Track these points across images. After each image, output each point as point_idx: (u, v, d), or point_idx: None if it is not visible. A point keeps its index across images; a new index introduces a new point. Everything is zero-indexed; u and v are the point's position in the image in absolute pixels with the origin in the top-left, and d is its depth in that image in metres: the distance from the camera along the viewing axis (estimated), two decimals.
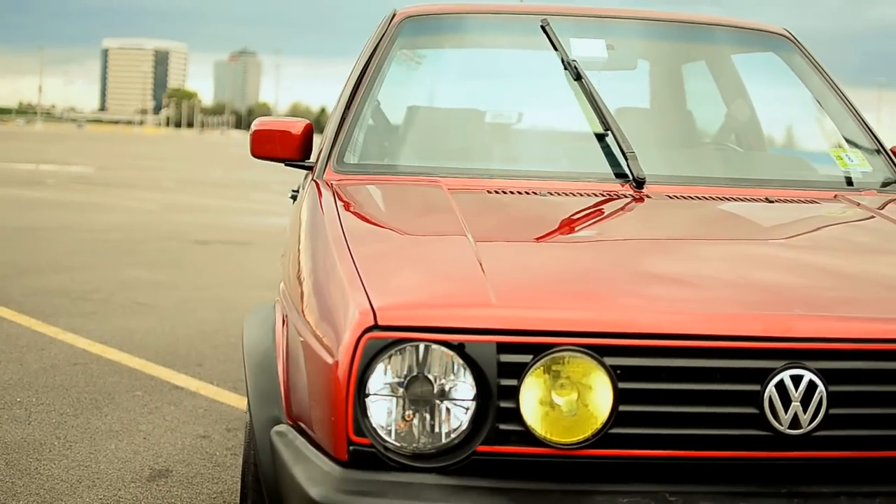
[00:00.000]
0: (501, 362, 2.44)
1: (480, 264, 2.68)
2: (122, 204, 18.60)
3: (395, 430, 2.46)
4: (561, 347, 2.43)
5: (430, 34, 4.31)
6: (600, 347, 2.45)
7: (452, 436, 2.46)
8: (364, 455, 2.46)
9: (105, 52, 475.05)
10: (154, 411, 5.57)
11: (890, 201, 3.73)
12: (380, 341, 2.44)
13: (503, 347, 2.45)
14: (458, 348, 2.44)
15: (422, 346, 2.44)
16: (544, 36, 3.97)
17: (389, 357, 2.44)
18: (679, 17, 4.48)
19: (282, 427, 2.73)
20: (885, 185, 3.93)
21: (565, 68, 3.87)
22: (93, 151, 46.56)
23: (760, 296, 2.72)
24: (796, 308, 2.61)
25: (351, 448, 2.46)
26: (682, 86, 4.79)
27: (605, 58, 4.23)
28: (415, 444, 2.46)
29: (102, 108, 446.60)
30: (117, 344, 7.06)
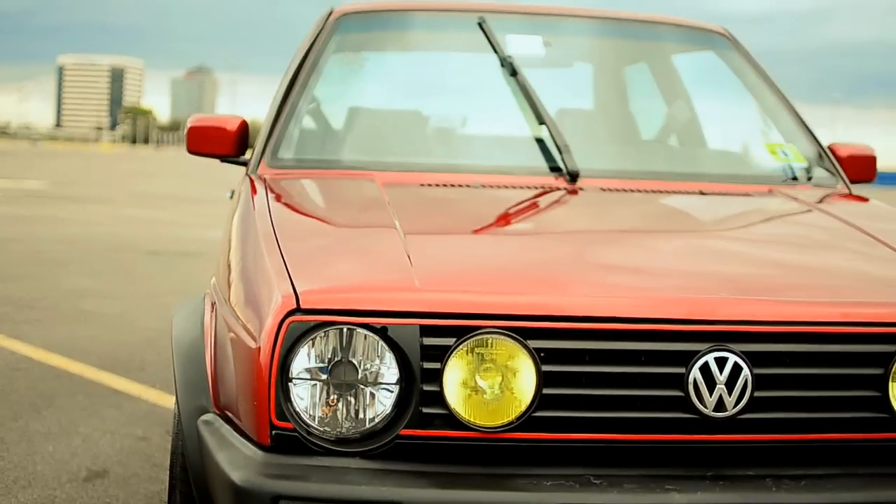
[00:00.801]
0: (425, 345, 2.43)
1: (407, 253, 2.67)
2: (74, 217, 18.47)
3: (318, 415, 2.44)
4: (484, 330, 2.42)
5: (366, 31, 4.29)
6: (524, 330, 2.43)
7: (376, 420, 2.44)
8: (287, 439, 2.44)
9: (60, 69, 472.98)
10: (93, 414, 5.52)
11: (825, 196, 3.75)
12: (302, 325, 2.43)
13: (426, 330, 2.43)
14: (381, 332, 2.43)
15: (345, 330, 2.43)
16: (482, 33, 3.97)
17: (312, 341, 2.43)
18: (620, 16, 4.49)
19: (208, 416, 2.70)
20: (819, 179, 3.94)
21: (502, 65, 3.87)
22: (47, 167, 46.24)
23: (686, 280, 2.72)
24: (721, 292, 2.61)
25: (273, 432, 2.44)
26: (623, 88, 4.79)
27: (541, 55, 4.23)
28: (338, 429, 2.44)
29: (58, 125, 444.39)
30: (60, 350, 7.01)
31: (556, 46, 4.40)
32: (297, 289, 2.48)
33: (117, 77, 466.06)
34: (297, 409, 2.43)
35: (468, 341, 2.42)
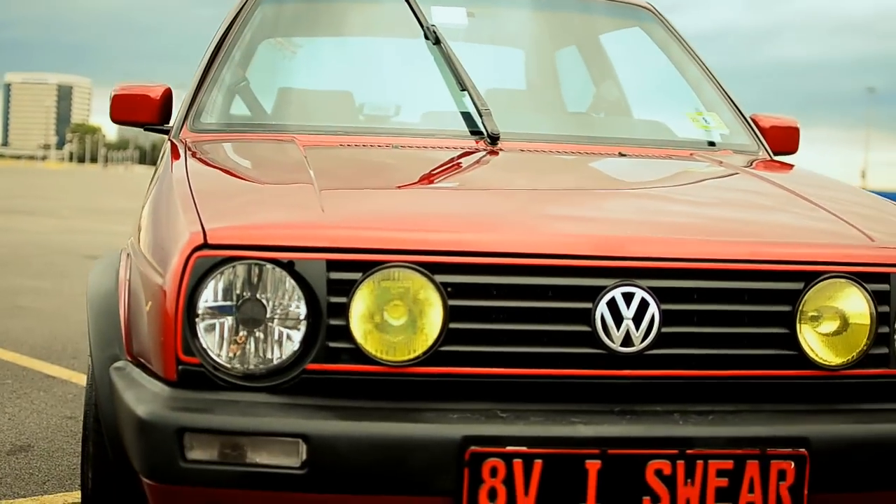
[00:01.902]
0: (331, 279, 2.43)
1: (320, 200, 2.66)
2: (16, 227, 18.32)
3: (225, 351, 2.44)
4: (390, 264, 2.42)
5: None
6: (430, 265, 2.44)
7: (283, 356, 2.44)
8: (194, 375, 2.43)
9: (7, 87, 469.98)
10: (22, 396, 5.49)
11: (746, 161, 3.77)
12: (209, 260, 2.42)
13: (333, 265, 2.43)
14: (288, 266, 2.42)
15: (251, 265, 2.42)
16: (406, 3, 3.97)
17: (219, 276, 2.42)
18: None
19: (120, 363, 2.69)
20: (741, 146, 3.96)
21: (426, 36, 3.87)
22: None
23: (594, 219, 2.74)
24: (629, 229, 2.63)
25: (180, 368, 2.43)
26: (553, 70, 4.80)
27: (465, 24, 4.24)
28: (245, 365, 2.44)
29: (4, 143, 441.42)
30: None
31: (486, 24, 4.42)
32: (204, 225, 2.48)
33: (65, 95, 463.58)
34: (204, 345, 2.43)
35: (374, 275, 2.42)
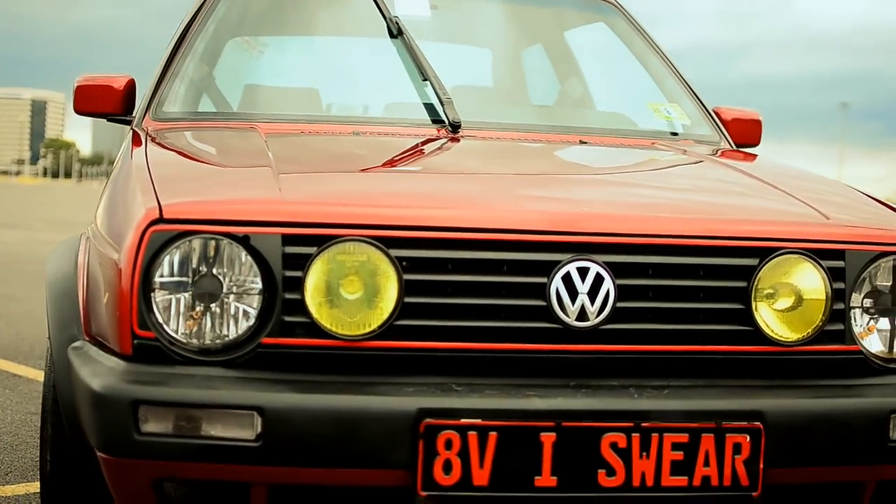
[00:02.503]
0: (286, 254, 2.43)
1: (278, 182, 2.66)
2: None
3: (181, 324, 2.44)
4: (345, 238, 2.43)
5: None
6: (385, 239, 2.45)
7: (239, 331, 2.44)
8: (149, 349, 2.43)
9: None
10: None
11: (707, 150, 3.78)
12: (165, 234, 2.43)
13: (288, 239, 2.44)
14: (244, 241, 2.43)
15: (207, 240, 2.43)
16: None
17: (174, 250, 2.43)
18: None
19: (78, 343, 2.68)
20: (703, 137, 3.97)
21: (388, 29, 3.87)
22: None
23: (550, 197, 2.75)
24: (584, 206, 2.64)
25: (135, 342, 2.43)
26: (521, 69, 4.81)
27: (428, 16, 4.25)
28: (200, 339, 2.44)
29: None
30: None
31: (453, 23, 4.43)
32: (160, 200, 2.48)
33: (39, 110, 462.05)
34: (159, 319, 2.43)
35: (329, 249, 2.43)
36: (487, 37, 4.70)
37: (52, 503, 3.03)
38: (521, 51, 4.86)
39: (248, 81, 4.13)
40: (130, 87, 3.95)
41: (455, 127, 3.51)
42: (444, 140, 3.46)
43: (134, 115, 3.89)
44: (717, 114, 4.20)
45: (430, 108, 3.67)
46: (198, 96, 3.91)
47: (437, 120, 3.61)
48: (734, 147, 4.00)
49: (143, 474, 2.39)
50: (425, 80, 3.68)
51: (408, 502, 2.39)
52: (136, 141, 3.28)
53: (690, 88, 4.20)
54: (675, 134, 3.93)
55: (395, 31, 3.83)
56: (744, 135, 4.22)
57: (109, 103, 3.92)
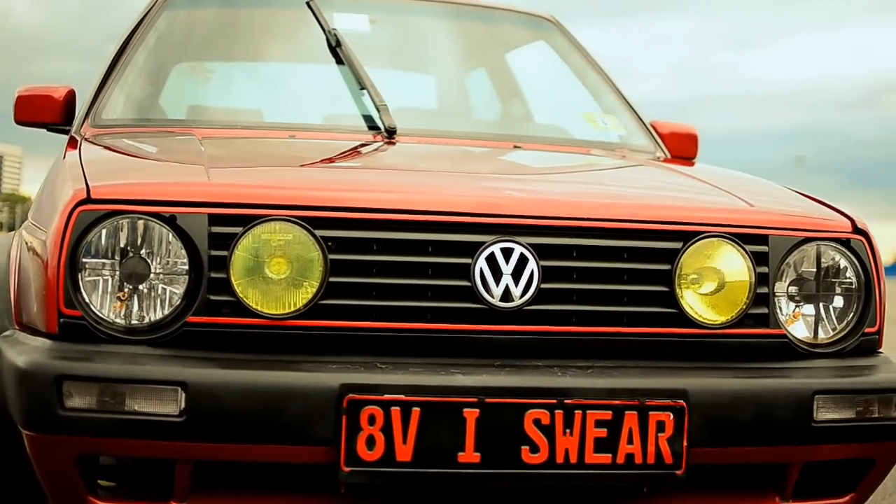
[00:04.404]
0: (212, 233, 2.45)
1: (208, 173, 2.67)
2: None
3: (107, 304, 2.45)
4: (270, 218, 2.45)
5: (197, 3, 4.30)
6: (311, 219, 2.47)
7: (165, 310, 2.46)
8: (75, 328, 2.44)
9: None
10: None
11: (647, 158, 3.82)
12: (92, 214, 2.44)
13: (214, 219, 2.46)
14: (170, 221, 2.45)
15: (135, 220, 2.45)
16: (309, 11, 4.00)
17: (102, 231, 2.44)
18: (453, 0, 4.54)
19: (8, 332, 2.69)
20: (639, 146, 4.01)
21: (328, 40, 3.89)
22: None
23: (477, 182, 2.78)
24: (509, 190, 2.67)
25: (62, 321, 2.43)
26: (465, 93, 4.84)
27: (367, 31, 4.27)
28: (127, 318, 2.45)
29: None
30: None
31: (398, 48, 4.46)
32: (88, 183, 2.50)
33: None
34: (86, 298, 2.44)
35: (255, 229, 2.44)
36: (431, 63, 4.73)
37: None
38: (465, 76, 4.89)
39: (191, 102, 4.14)
40: (71, 97, 3.95)
41: (391, 132, 3.53)
42: (379, 143, 3.48)
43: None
44: (653, 127, 4.23)
45: (367, 116, 3.70)
46: (138, 107, 3.92)
47: (373, 126, 3.63)
48: (669, 156, 4.03)
49: (67, 451, 2.39)
50: (362, 88, 3.70)
51: (332, 479, 2.40)
52: (72, 145, 3.29)
53: (627, 102, 4.24)
54: (611, 144, 3.96)
55: (334, 43, 3.85)
56: (680, 149, 4.24)
57: (49, 113, 3.92)
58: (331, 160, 3.21)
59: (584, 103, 4.30)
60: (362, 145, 3.47)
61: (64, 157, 3.06)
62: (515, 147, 3.66)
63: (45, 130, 4.02)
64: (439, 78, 4.81)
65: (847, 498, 2.76)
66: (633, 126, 4.12)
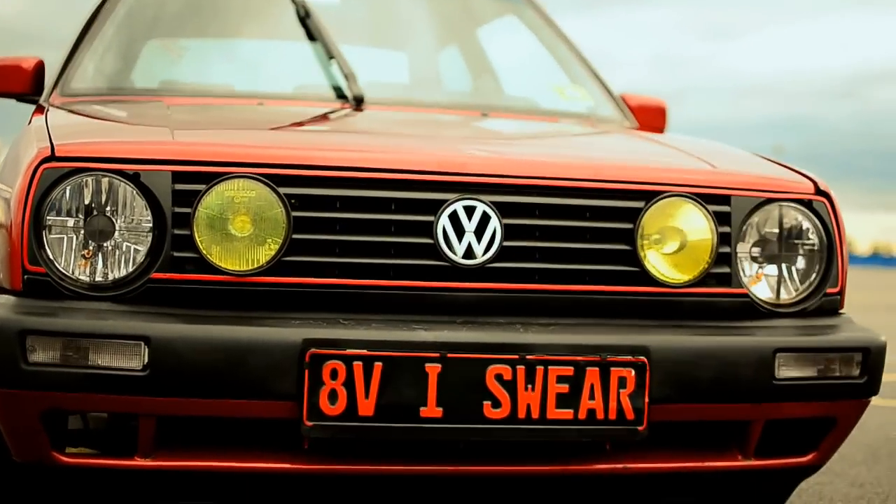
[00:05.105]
0: (176, 190, 2.46)
1: (173, 134, 2.68)
2: None
3: (72, 261, 2.46)
4: (233, 175, 2.46)
5: None
6: (274, 177, 2.48)
7: (129, 267, 2.46)
8: (40, 284, 2.44)
9: None
10: None
11: (612, 127, 3.83)
12: (56, 171, 2.45)
13: (178, 177, 2.47)
14: (134, 178, 2.46)
15: (99, 177, 2.46)
16: None
17: (66, 188, 2.45)
18: None
19: None
20: (608, 117, 4.02)
21: (297, 13, 3.89)
22: None
23: (441, 143, 2.79)
24: (473, 150, 2.68)
25: (26, 277, 2.44)
26: (437, 70, 4.84)
27: (337, 3, 4.28)
28: (90, 275, 2.46)
29: None
30: None
31: (370, 25, 4.47)
32: (53, 142, 2.51)
33: None
34: (50, 255, 2.44)
35: (218, 186, 2.45)
36: (403, 39, 4.73)
37: None
38: (437, 53, 4.90)
39: (162, 76, 4.13)
40: (40, 67, 3.94)
41: (359, 101, 3.55)
42: (347, 111, 3.49)
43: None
44: (623, 100, 4.25)
45: (336, 87, 3.71)
46: (108, 79, 3.91)
47: (342, 96, 3.64)
48: (638, 126, 4.05)
49: (31, 406, 2.39)
50: (331, 58, 3.71)
51: (296, 436, 2.41)
52: (40, 111, 3.29)
53: (597, 74, 4.26)
54: (580, 115, 3.97)
55: (303, 14, 3.85)
56: (649, 122, 4.26)
57: (18, 83, 3.91)
58: (296, 125, 3.22)
59: (554, 76, 4.31)
60: (329, 112, 3.48)
61: (30, 122, 3.07)
62: (483, 115, 3.67)
63: (14, 106, 4.01)
64: (411, 55, 4.81)
65: (809, 457, 2.78)
66: (602, 98, 4.14)
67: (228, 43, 4.28)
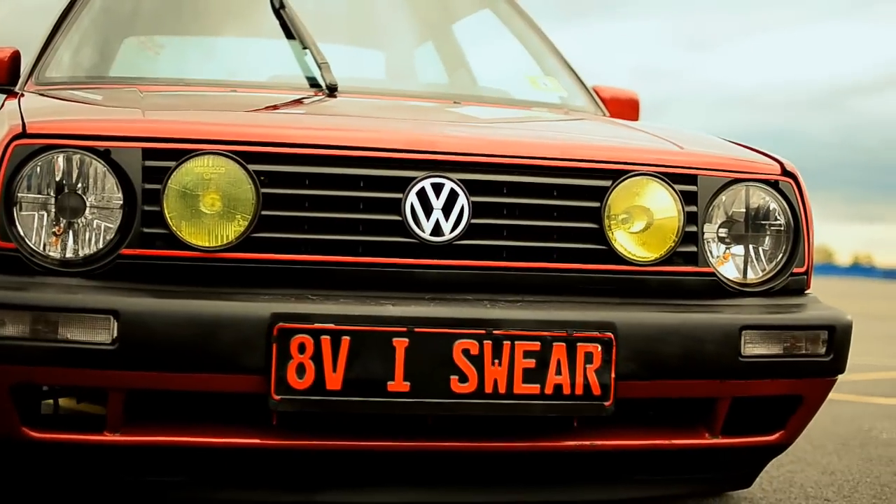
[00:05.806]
0: (146, 167, 2.48)
1: (143, 113, 2.69)
2: None
3: (42, 237, 2.47)
4: (203, 152, 2.48)
5: None
6: (244, 154, 2.50)
7: (100, 243, 2.48)
8: (10, 260, 2.46)
9: None
10: None
11: (584, 116, 3.85)
12: (27, 148, 2.47)
13: (148, 153, 2.49)
14: (104, 155, 2.47)
15: (70, 154, 2.47)
16: None
17: (37, 164, 2.46)
18: None
19: None
20: (580, 107, 4.04)
21: (272, 3, 3.90)
22: None
23: (409, 122, 2.82)
24: (441, 129, 2.71)
25: None
26: (413, 67, 4.86)
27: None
28: (61, 251, 2.47)
29: None
30: None
31: (346, 24, 4.49)
32: (24, 119, 2.53)
33: None
34: (21, 232, 2.46)
35: (188, 163, 2.47)
36: (378, 36, 4.75)
37: None
38: (413, 50, 4.92)
39: (138, 69, 4.13)
40: (15, 57, 3.94)
41: (332, 89, 3.56)
42: (320, 97, 3.50)
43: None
44: (595, 91, 4.27)
45: (310, 77, 3.72)
46: (83, 69, 3.92)
47: (315, 84, 3.65)
48: (610, 116, 4.07)
49: (1, 380, 2.40)
50: (305, 48, 3.72)
51: (264, 412, 2.43)
52: (13, 97, 3.30)
53: (570, 66, 4.28)
54: (552, 105, 3.99)
55: (278, 5, 3.86)
56: (622, 113, 4.28)
57: None
58: (268, 109, 3.24)
59: (528, 68, 4.33)
60: (302, 98, 3.50)
61: (2, 106, 3.08)
62: (455, 103, 3.69)
63: None
64: (387, 52, 4.83)
65: (776, 435, 2.80)
66: (575, 89, 4.16)
67: (205, 38, 4.29)
